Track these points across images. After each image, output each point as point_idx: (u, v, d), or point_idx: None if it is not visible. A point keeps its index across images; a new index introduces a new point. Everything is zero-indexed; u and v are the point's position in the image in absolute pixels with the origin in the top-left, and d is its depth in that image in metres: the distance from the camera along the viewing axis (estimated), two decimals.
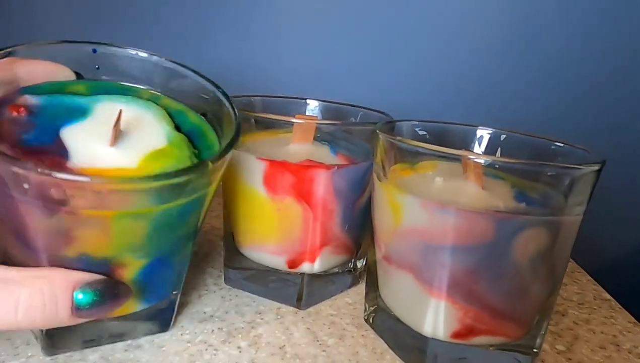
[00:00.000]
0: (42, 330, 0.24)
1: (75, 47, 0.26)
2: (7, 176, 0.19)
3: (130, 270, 0.23)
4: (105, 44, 0.26)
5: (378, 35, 0.55)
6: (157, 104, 0.26)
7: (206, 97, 0.27)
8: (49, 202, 0.19)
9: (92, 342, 0.25)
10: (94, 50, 0.26)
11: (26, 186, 0.19)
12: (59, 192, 0.19)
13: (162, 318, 0.27)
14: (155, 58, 0.27)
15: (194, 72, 0.27)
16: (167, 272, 0.25)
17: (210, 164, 0.21)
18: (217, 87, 0.27)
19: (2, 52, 0.23)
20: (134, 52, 0.27)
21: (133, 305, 0.25)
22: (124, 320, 0.26)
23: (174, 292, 0.27)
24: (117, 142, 0.23)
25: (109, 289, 0.21)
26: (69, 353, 0.25)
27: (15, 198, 0.19)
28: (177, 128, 0.25)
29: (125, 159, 0.22)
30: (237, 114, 0.25)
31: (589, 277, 0.41)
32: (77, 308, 0.20)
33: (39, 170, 0.18)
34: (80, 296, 0.20)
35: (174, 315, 0.28)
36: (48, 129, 0.22)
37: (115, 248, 0.21)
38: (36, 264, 0.21)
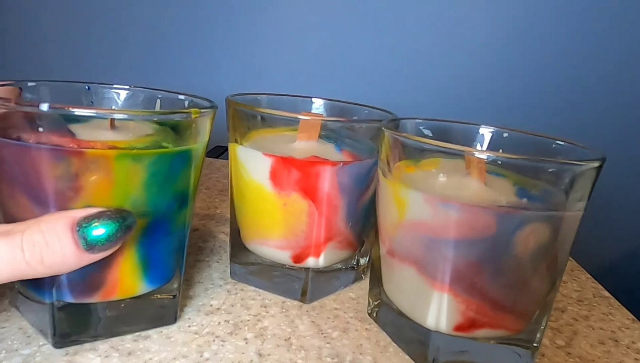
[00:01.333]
0: (52, 327, 0.24)
1: (74, 85, 0.31)
2: (24, 124, 0.22)
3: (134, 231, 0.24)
4: (95, 83, 0.31)
5: (382, 35, 0.55)
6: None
7: (183, 103, 0.31)
8: (60, 144, 0.22)
9: (99, 337, 0.26)
10: (88, 88, 0.31)
11: (41, 129, 0.22)
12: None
13: (167, 312, 0.28)
14: (133, 89, 0.32)
15: (165, 90, 0.32)
16: (166, 242, 0.26)
17: (193, 112, 0.25)
18: (188, 94, 0.31)
19: (16, 83, 0.28)
20: (117, 86, 0.32)
21: (139, 285, 0.26)
22: (131, 315, 0.26)
23: (176, 278, 0.28)
24: (113, 129, 0.25)
25: (111, 216, 0.21)
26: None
27: (30, 148, 0.22)
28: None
29: (121, 137, 0.25)
30: (210, 101, 0.29)
31: (588, 275, 0.42)
32: (83, 242, 0.21)
33: (52, 107, 0.21)
34: (83, 229, 0.21)
35: (178, 308, 0.29)
36: (55, 122, 0.23)
37: (117, 199, 0.23)
38: None
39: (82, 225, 0.21)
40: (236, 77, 0.55)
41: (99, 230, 0.21)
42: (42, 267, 0.20)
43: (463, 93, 0.55)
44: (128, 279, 0.25)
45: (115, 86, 0.32)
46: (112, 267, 0.24)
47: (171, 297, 0.28)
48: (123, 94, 0.32)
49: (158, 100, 0.31)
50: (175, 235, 0.27)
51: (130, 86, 0.32)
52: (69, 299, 0.24)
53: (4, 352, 0.24)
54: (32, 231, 0.20)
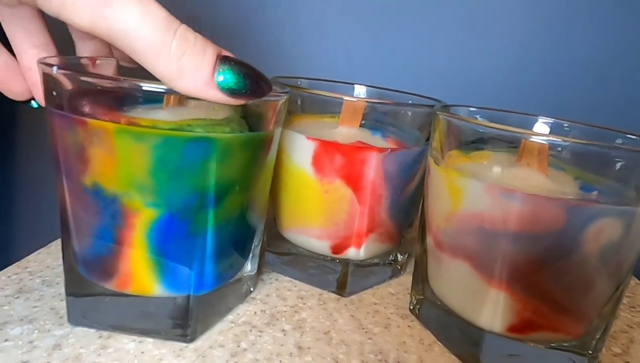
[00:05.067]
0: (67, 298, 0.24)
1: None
2: (47, 87, 0.22)
3: (142, 219, 0.22)
4: None
5: (424, 29, 0.54)
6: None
7: None
8: (70, 110, 0.21)
9: (118, 328, 0.24)
10: None
11: (54, 93, 0.21)
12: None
13: (179, 324, 0.24)
14: None
15: None
16: (184, 245, 0.23)
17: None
18: None
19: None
20: None
21: (153, 285, 0.23)
22: (147, 315, 0.24)
23: (193, 293, 0.24)
24: (171, 107, 0.23)
25: (243, 74, 0.21)
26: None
27: (51, 113, 0.22)
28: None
29: (167, 117, 0.22)
30: (284, 86, 0.27)
31: (638, 281, 0.39)
32: (217, 74, 0.20)
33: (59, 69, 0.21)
34: (222, 66, 0.20)
35: (192, 324, 0.24)
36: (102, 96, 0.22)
37: (121, 180, 0.21)
38: (63, 195, 0.23)
39: (223, 62, 0.20)
40: (276, 67, 0.54)
41: (229, 79, 0.20)
42: (177, 61, 0.19)
43: (512, 90, 0.53)
44: (140, 275, 0.23)
45: None
46: (123, 255, 0.22)
47: (182, 305, 0.24)
48: None
49: None
50: (197, 239, 0.23)
51: None
52: (85, 275, 0.23)
53: (36, 332, 0.23)
54: (189, 30, 0.20)
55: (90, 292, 0.24)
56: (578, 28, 0.51)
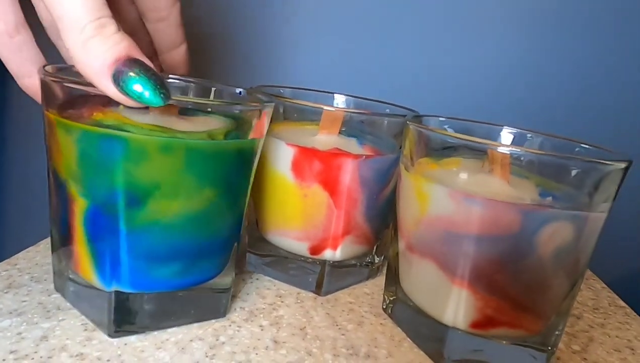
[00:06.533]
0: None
1: None
2: (42, 89, 0.25)
3: (79, 207, 0.23)
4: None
5: (400, 33, 0.56)
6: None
7: (239, 96, 0.31)
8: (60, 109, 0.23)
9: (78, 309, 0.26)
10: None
11: (47, 94, 0.24)
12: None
13: (109, 318, 0.24)
14: (197, 81, 0.32)
15: (223, 85, 0.32)
16: (108, 239, 0.23)
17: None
18: (245, 88, 0.31)
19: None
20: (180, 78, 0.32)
21: (92, 274, 0.24)
22: (90, 301, 0.25)
23: (115, 290, 0.24)
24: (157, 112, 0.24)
25: (158, 79, 0.20)
26: None
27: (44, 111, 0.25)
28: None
29: (155, 121, 0.23)
30: (268, 96, 0.29)
31: (604, 285, 0.41)
32: (115, 76, 0.20)
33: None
34: (127, 71, 0.20)
35: (112, 317, 0.24)
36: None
37: (63, 168, 0.24)
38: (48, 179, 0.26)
39: (131, 62, 0.20)
40: (256, 76, 0.56)
41: (136, 86, 0.20)
42: (86, 40, 0.20)
43: (482, 99, 0.55)
44: (83, 260, 0.24)
45: (179, 78, 0.32)
46: (72, 238, 0.24)
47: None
48: (188, 85, 0.32)
49: (212, 91, 0.31)
50: (118, 237, 0.23)
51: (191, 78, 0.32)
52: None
53: (24, 324, 0.25)
54: (114, 24, 0.20)
55: (63, 270, 0.26)
56: (573, 33, 0.54)
